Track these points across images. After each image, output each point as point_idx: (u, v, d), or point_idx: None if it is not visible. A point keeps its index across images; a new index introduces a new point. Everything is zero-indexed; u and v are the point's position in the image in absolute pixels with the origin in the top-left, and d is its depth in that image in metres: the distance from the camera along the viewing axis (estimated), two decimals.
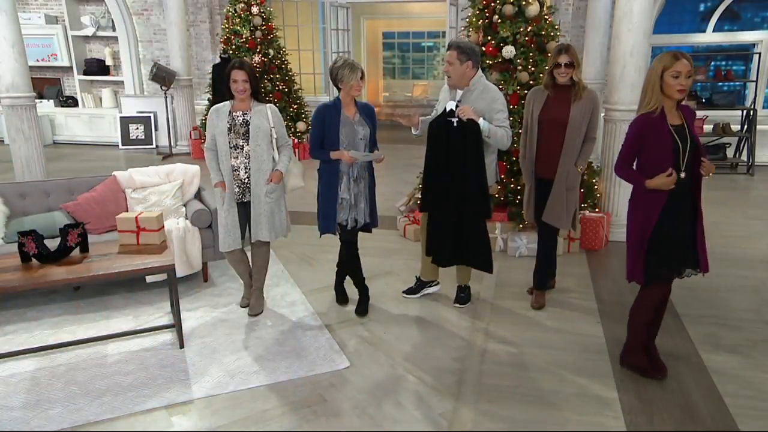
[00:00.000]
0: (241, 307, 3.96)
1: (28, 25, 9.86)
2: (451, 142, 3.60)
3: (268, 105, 3.66)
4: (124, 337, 3.55)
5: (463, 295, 4.01)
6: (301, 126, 9.22)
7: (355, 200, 3.65)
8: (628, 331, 3.19)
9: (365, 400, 2.93)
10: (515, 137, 4.92)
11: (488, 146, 3.65)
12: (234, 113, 3.58)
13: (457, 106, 3.55)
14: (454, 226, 3.70)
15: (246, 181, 3.63)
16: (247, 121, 3.57)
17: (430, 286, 4.15)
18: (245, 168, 3.61)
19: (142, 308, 3.96)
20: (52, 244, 3.40)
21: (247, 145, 3.58)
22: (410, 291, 4.15)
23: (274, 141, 3.63)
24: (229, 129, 3.56)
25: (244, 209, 3.70)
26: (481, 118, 3.53)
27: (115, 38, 10.86)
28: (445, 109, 3.63)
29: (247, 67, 3.52)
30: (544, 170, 3.81)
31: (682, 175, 2.87)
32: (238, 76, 3.49)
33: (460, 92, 3.65)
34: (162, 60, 10.38)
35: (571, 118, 3.66)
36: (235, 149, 3.59)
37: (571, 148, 3.71)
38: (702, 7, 9.53)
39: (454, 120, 3.56)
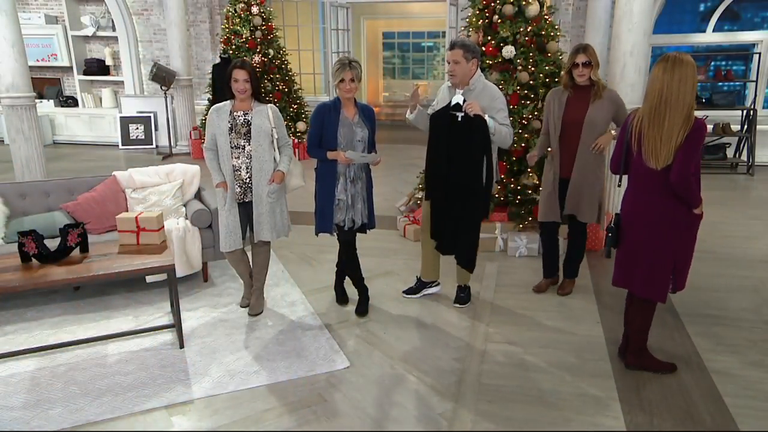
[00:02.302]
0: (241, 307, 3.96)
1: (28, 25, 9.86)
2: (453, 136, 3.57)
3: (269, 105, 3.65)
4: (124, 337, 3.55)
5: (463, 295, 4.01)
6: (301, 126, 9.22)
7: (352, 201, 3.65)
8: (631, 336, 3.17)
9: (365, 400, 2.93)
10: (515, 137, 4.94)
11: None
12: (235, 113, 3.58)
13: (464, 101, 3.52)
14: (453, 217, 3.70)
15: (247, 181, 3.63)
16: (249, 121, 3.56)
17: (430, 287, 4.15)
18: (247, 168, 3.61)
19: (142, 308, 3.96)
20: (52, 244, 3.40)
21: (249, 145, 3.58)
22: (410, 291, 4.15)
23: (275, 141, 3.63)
24: (230, 129, 3.56)
25: (244, 209, 3.70)
26: (487, 116, 3.51)
27: (115, 38, 10.86)
28: (449, 102, 3.59)
29: (248, 66, 3.52)
30: (568, 171, 3.85)
31: None
32: (239, 76, 3.48)
33: (460, 91, 3.63)
34: (162, 60, 10.38)
35: (587, 117, 3.69)
36: (237, 149, 3.58)
37: (587, 147, 3.74)
38: (702, 7, 9.53)
39: (459, 114, 3.53)
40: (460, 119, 3.53)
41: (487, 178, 3.61)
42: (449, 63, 3.58)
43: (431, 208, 3.82)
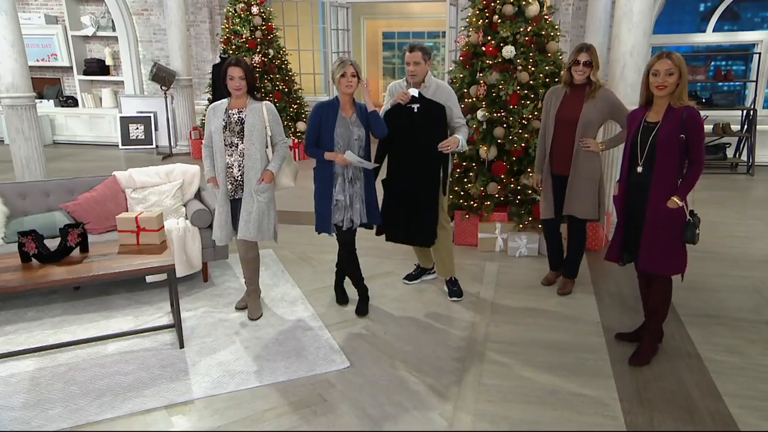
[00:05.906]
0: (236, 308, 3.94)
1: (28, 25, 9.86)
2: (414, 125, 3.75)
3: (264, 103, 3.65)
4: (124, 337, 3.55)
5: (455, 288, 4.06)
6: (301, 126, 9.23)
7: (350, 201, 3.64)
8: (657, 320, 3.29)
9: (365, 400, 2.93)
10: (515, 137, 4.95)
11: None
12: (230, 111, 3.58)
13: (420, 95, 3.70)
14: (410, 203, 3.84)
15: (239, 178, 3.63)
16: (242, 119, 3.57)
17: (429, 273, 4.27)
18: (239, 166, 3.61)
19: (142, 308, 3.96)
20: (52, 244, 3.40)
21: (242, 143, 3.58)
22: (410, 277, 4.30)
23: (269, 139, 3.63)
24: (224, 127, 3.56)
25: (237, 206, 3.69)
26: (460, 138, 3.74)
27: (115, 38, 10.86)
28: (404, 98, 3.73)
29: (243, 64, 3.52)
30: (559, 167, 3.91)
31: (639, 169, 3.05)
32: (234, 73, 3.49)
33: (414, 89, 3.76)
34: (162, 60, 10.38)
35: (581, 116, 3.75)
36: (230, 147, 3.59)
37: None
38: (702, 7, 9.52)
39: (415, 106, 3.72)
40: (416, 110, 3.72)
41: (443, 159, 3.81)
42: (409, 64, 3.78)
43: (389, 198, 3.94)
